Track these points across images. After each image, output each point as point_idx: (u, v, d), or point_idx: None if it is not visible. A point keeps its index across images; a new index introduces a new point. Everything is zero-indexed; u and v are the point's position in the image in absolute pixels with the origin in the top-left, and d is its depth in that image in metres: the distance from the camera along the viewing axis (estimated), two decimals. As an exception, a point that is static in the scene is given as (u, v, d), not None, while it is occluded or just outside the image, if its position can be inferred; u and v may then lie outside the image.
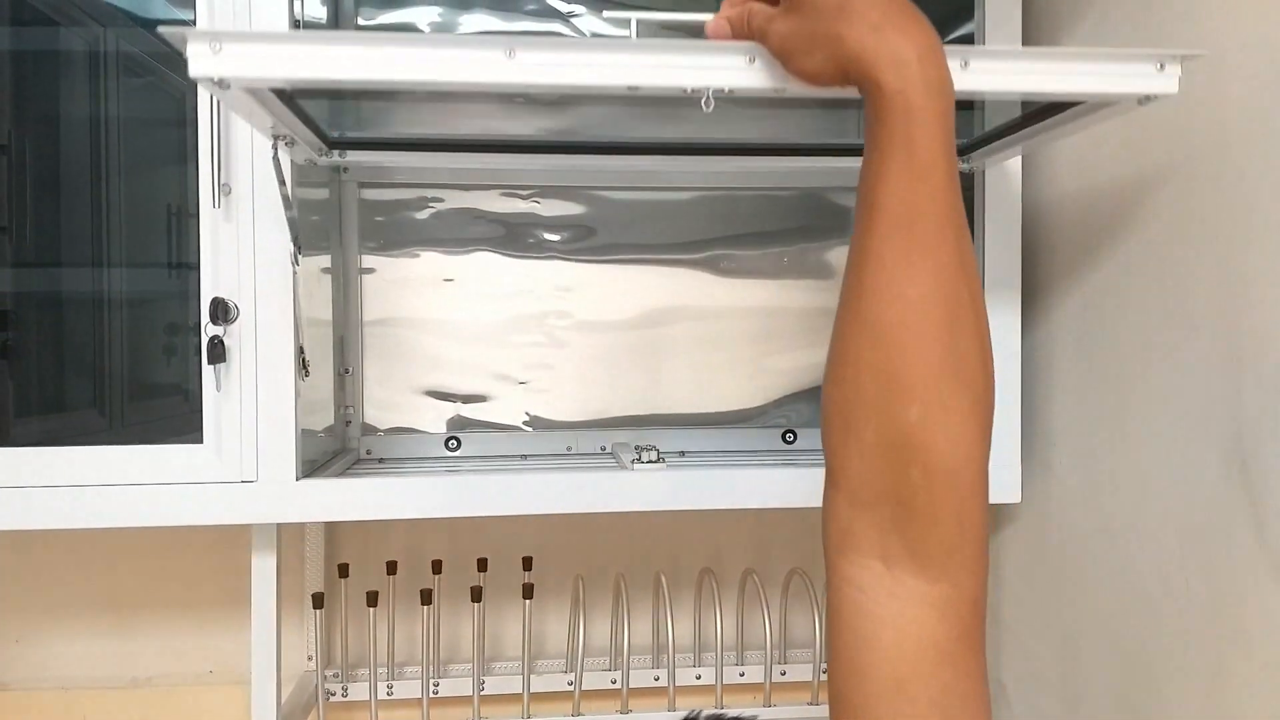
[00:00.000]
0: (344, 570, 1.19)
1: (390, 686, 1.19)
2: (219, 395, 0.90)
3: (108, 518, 0.89)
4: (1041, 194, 0.99)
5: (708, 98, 0.63)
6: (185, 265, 1.09)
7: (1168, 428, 0.80)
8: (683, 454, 1.23)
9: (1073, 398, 0.94)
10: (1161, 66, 0.64)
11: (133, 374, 1.19)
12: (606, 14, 0.67)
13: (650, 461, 0.97)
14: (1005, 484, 0.98)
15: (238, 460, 0.90)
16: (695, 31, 0.64)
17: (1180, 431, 0.79)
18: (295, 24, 0.94)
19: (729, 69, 0.62)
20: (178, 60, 0.61)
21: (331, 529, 1.25)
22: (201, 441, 0.91)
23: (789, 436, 1.27)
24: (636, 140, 1.16)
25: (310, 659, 1.21)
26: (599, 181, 1.20)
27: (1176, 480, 0.79)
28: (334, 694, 1.20)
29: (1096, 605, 0.91)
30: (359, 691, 1.20)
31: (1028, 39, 1.00)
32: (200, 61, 0.60)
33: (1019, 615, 1.04)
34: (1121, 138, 0.86)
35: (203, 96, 0.89)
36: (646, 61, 0.62)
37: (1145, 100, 0.66)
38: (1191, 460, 0.78)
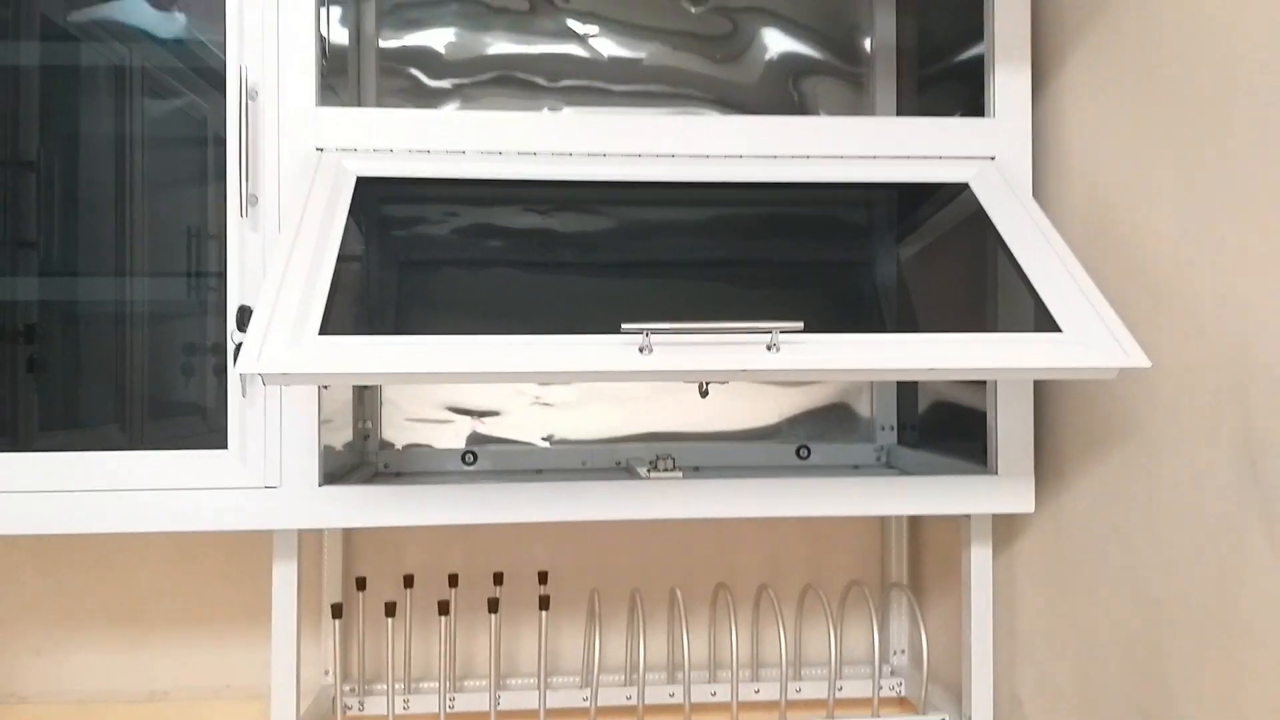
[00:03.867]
0: (361, 584, 1.20)
1: (407, 701, 1.19)
2: (244, 401, 0.92)
3: (133, 523, 0.91)
4: (1050, 193, 1.00)
5: (705, 390, 0.84)
6: (206, 284, 1.12)
7: (1177, 432, 0.81)
8: (697, 469, 1.23)
9: (1083, 406, 0.95)
10: (1127, 354, 0.78)
11: (153, 391, 1.20)
12: (625, 326, 0.74)
13: (666, 470, 0.98)
14: (1019, 494, 0.99)
15: (261, 466, 0.92)
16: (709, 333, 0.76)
17: (1190, 435, 0.80)
18: (321, 44, 0.97)
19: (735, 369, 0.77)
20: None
21: (349, 543, 1.26)
22: (226, 447, 0.92)
23: (803, 452, 1.27)
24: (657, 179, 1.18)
25: (327, 673, 1.22)
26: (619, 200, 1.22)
27: (1187, 484, 0.80)
28: (350, 708, 1.20)
29: (1109, 613, 0.91)
30: (376, 705, 1.20)
31: (1036, 58, 1.02)
32: (273, 383, 0.74)
33: (1034, 627, 1.04)
34: (1127, 133, 0.88)
35: (231, 110, 0.91)
36: (651, 370, 0.76)
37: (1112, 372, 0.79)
38: (1202, 463, 0.78)
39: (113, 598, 1.26)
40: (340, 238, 0.83)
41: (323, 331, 0.75)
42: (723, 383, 0.79)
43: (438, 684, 1.14)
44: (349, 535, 1.25)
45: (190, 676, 1.26)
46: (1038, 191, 1.01)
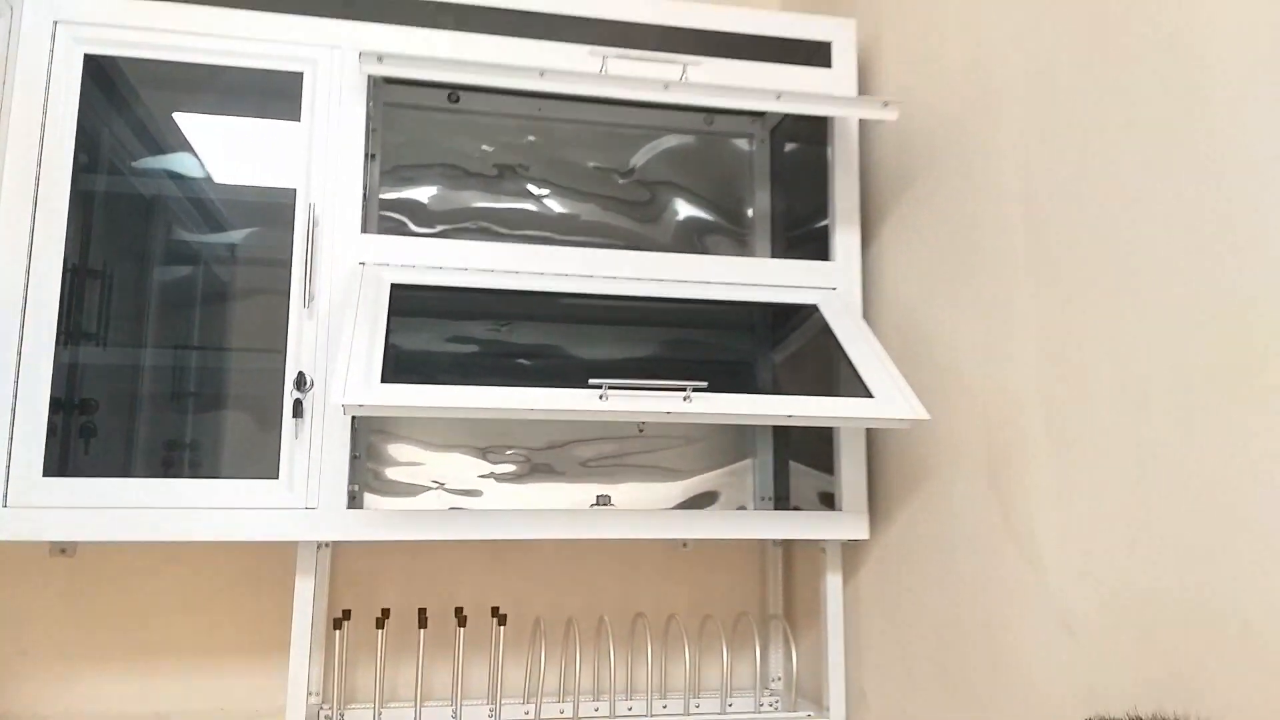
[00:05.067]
0: (346, 614, 1.48)
1: (380, 715, 1.46)
2: (294, 443, 1.23)
3: (205, 533, 1.20)
4: (873, 311, 1.43)
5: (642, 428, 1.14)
6: (263, 357, 1.43)
7: (953, 468, 1.21)
8: (621, 525, 1.57)
9: (900, 458, 1.35)
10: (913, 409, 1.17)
11: (221, 436, 1.49)
12: (591, 380, 1.15)
13: (604, 505, 1.32)
14: (857, 525, 1.37)
15: (304, 492, 1.23)
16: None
17: (960, 469, 1.19)
18: (365, 194, 1.35)
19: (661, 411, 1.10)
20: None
21: (334, 583, 1.54)
22: (277, 477, 1.23)
23: (702, 515, 1.63)
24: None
25: (312, 694, 1.47)
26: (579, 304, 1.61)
27: (961, 503, 1.19)
28: (332, 718, 1.45)
29: (922, 606, 1.28)
30: (355, 717, 1.46)
31: (865, 228, 1.47)
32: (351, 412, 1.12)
33: (872, 633, 1.40)
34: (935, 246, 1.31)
35: (299, 233, 1.27)
36: (607, 410, 1.09)
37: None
38: (967, 487, 1.18)
39: (125, 631, 1.50)
40: (385, 324, 1.18)
41: (383, 381, 1.09)
42: (656, 421, 1.15)
43: (413, 686, 1.41)
44: (334, 575, 1.53)
45: (190, 700, 1.49)
46: (866, 310, 1.44)
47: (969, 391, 1.19)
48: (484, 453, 1.59)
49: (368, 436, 1.55)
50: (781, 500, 1.65)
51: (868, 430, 1.41)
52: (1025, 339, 1.09)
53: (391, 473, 1.55)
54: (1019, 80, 1.12)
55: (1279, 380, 0.77)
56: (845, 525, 1.37)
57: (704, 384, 1.15)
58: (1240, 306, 0.81)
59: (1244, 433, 0.80)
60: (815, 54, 1.47)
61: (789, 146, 1.70)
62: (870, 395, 1.21)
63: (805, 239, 1.59)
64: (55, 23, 1.27)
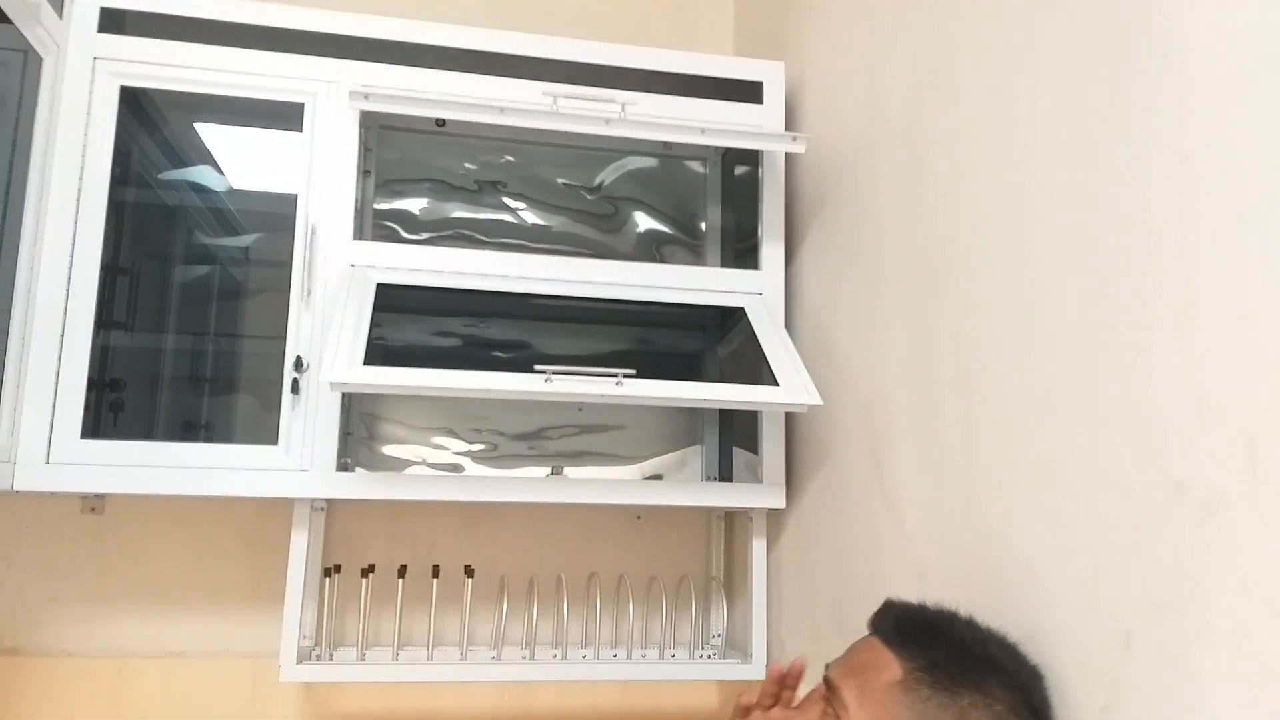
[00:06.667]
0: (337, 568, 1.70)
1: (364, 655, 1.68)
2: (291, 414, 1.46)
3: (216, 488, 1.43)
4: (793, 315, 1.65)
5: (581, 408, 1.35)
6: (268, 344, 1.66)
7: (846, 447, 1.43)
8: (578, 498, 1.80)
9: (811, 439, 1.56)
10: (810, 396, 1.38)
11: (230, 409, 1.72)
12: (537, 367, 1.35)
13: (557, 473, 1.55)
14: (775, 495, 1.59)
15: (299, 456, 1.46)
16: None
17: (851, 448, 1.41)
18: (357, 208, 1.57)
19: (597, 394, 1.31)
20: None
21: (327, 538, 1.76)
22: (276, 443, 1.46)
23: (651, 492, 1.85)
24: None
25: (306, 637, 1.70)
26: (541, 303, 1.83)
27: (851, 477, 1.41)
28: (323, 659, 1.68)
29: (823, 565, 1.49)
30: (343, 656, 1.68)
31: (789, 242, 1.69)
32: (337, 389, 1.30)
33: (790, 590, 1.61)
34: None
35: (299, 238, 1.50)
36: (551, 392, 1.30)
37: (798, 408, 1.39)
38: (855, 463, 1.40)
39: (144, 581, 1.72)
40: (370, 317, 1.41)
41: (365, 364, 1.32)
42: (593, 403, 1.35)
43: (393, 633, 1.63)
44: (327, 536, 1.75)
45: (200, 641, 1.72)
46: (788, 313, 1.66)
47: (854, 381, 1.41)
48: (462, 435, 1.81)
49: (360, 418, 1.78)
50: (725, 480, 1.87)
51: (787, 415, 1.63)
52: (893, 337, 1.31)
53: (381, 450, 1.78)
54: (896, 130, 1.34)
55: (1052, 367, 0.99)
56: (766, 495, 1.59)
57: (633, 371, 1.37)
58: (1027, 309, 1.03)
59: (1038, 411, 1.02)
60: (751, 92, 1.69)
61: (738, 170, 1.92)
62: (777, 384, 1.43)
63: (749, 250, 1.81)
64: (95, 59, 1.50)
